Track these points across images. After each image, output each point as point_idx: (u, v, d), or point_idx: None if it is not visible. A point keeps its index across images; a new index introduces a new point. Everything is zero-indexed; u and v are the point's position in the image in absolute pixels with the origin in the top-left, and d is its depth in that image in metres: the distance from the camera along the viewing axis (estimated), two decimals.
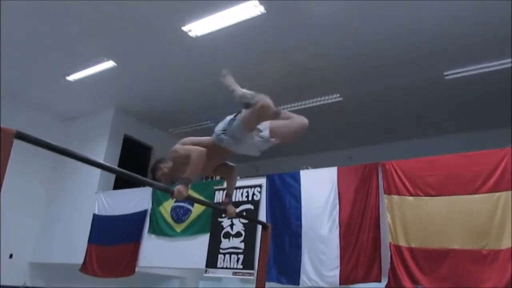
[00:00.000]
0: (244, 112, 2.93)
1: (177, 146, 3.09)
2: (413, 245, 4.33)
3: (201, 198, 5.67)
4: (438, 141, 7.95)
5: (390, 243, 4.47)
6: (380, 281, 4.47)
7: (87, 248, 7.17)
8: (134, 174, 2.93)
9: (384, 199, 4.69)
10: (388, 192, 4.68)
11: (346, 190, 5.06)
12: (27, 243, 8.12)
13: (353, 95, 7.26)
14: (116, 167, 3.43)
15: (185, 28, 5.78)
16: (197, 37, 5.94)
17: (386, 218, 4.60)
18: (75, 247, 7.33)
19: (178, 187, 2.89)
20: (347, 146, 9.19)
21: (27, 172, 8.27)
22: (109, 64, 6.85)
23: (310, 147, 9.68)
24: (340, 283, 4.66)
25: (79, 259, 7.11)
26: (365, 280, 4.59)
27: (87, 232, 7.31)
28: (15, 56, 6.83)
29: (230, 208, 3.40)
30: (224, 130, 3.02)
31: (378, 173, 4.91)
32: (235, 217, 3.41)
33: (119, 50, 6.60)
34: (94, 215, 7.48)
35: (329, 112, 7.65)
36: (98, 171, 8.16)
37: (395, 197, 4.61)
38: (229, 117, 3.08)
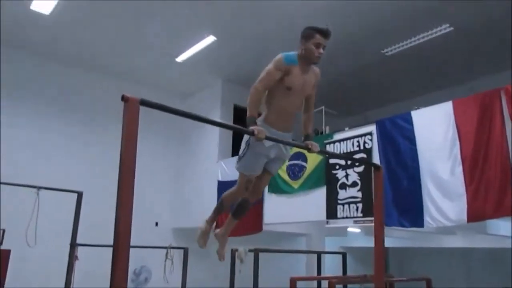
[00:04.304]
0: None
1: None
2: None
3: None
4: None
5: None
6: None
7: None
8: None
9: (511, 126, 4.25)
10: None
11: (465, 123, 4.70)
12: (168, 212, 9.27)
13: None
14: (232, 124, 3.68)
15: None
16: None
17: None
18: (207, 211, 8.09)
19: (252, 128, 2.70)
20: (463, 80, 8.42)
21: (157, 149, 9.36)
22: (210, 39, 7.28)
23: (419, 88, 9.12)
24: (468, 220, 4.42)
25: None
26: (495, 215, 4.29)
27: (215, 197, 8.03)
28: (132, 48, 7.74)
29: (312, 144, 3.02)
30: None
31: (501, 99, 4.44)
32: (319, 151, 3.15)
33: (218, 24, 6.94)
34: (219, 182, 8.15)
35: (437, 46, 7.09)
36: (216, 142, 8.85)
37: None
38: None
